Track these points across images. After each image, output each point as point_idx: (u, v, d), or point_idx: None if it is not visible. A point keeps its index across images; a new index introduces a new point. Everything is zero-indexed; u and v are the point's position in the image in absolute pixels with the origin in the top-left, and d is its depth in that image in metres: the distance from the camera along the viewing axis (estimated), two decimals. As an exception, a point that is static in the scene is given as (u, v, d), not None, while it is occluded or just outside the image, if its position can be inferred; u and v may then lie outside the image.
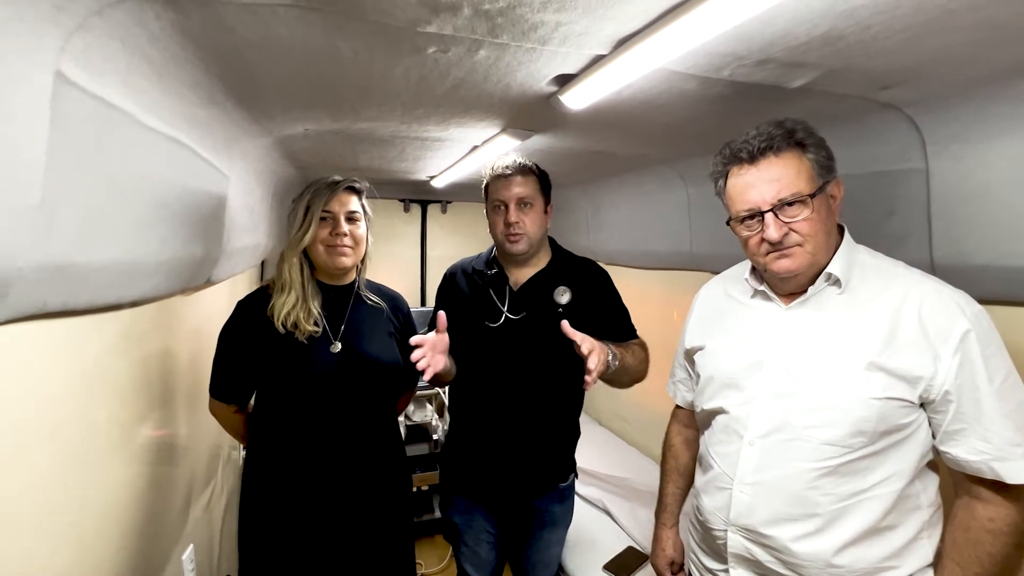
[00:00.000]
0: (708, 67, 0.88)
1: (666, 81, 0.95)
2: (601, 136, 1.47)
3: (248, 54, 0.85)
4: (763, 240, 0.87)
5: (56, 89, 0.58)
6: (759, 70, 0.88)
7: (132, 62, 0.70)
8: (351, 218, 1.23)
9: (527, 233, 1.31)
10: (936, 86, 0.94)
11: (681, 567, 1.17)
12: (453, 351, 1.37)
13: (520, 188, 1.31)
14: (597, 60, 0.87)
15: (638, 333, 1.42)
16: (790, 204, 0.84)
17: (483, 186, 1.39)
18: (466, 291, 1.39)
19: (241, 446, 2.11)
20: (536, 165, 1.37)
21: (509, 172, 1.32)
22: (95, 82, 0.66)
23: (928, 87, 0.94)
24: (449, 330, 1.34)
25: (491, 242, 1.48)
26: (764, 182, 0.86)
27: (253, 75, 0.94)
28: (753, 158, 0.87)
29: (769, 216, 0.86)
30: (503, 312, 1.34)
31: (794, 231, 0.85)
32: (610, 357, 1.11)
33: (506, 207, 1.31)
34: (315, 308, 1.20)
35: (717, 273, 1.17)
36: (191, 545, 1.37)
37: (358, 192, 1.26)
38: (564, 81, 0.98)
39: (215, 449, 1.75)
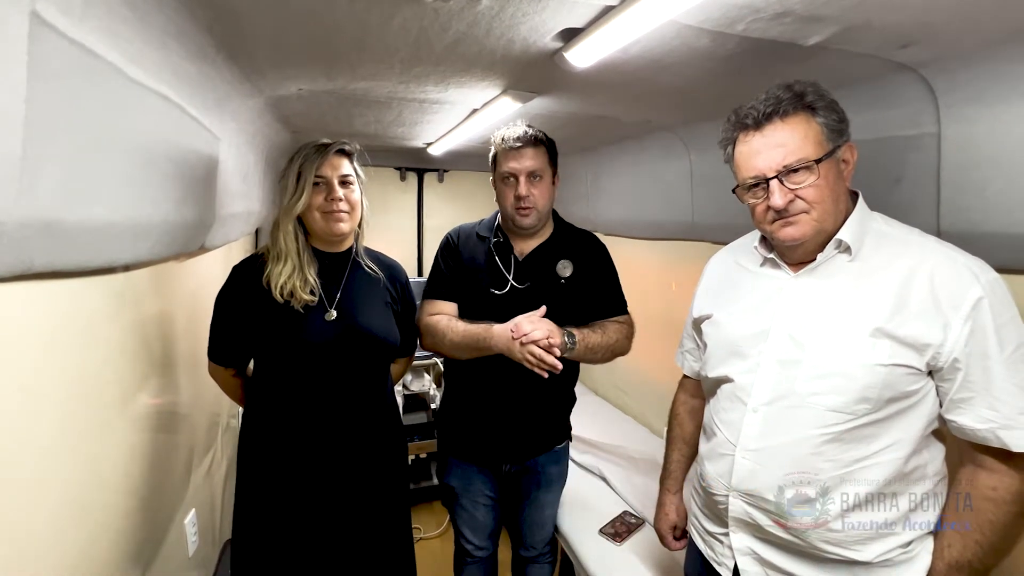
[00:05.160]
0: (722, 20, 0.84)
1: (677, 37, 0.91)
2: (605, 99, 1.43)
3: (237, 1, 0.80)
4: (769, 208, 0.86)
5: (33, 31, 0.54)
6: (775, 24, 0.84)
7: (112, 5, 0.66)
8: (345, 182, 1.20)
9: (536, 206, 1.31)
10: (955, 45, 0.90)
11: (684, 532, 1.20)
12: (459, 316, 1.37)
13: (531, 161, 1.29)
14: (606, 12, 0.83)
15: (632, 305, 1.45)
16: (795, 171, 0.83)
17: (491, 156, 1.36)
18: (472, 256, 1.38)
19: (240, 413, 2.12)
20: (545, 135, 1.34)
21: (520, 144, 1.29)
22: (74, 27, 0.62)
23: (947, 46, 0.91)
24: (456, 295, 1.35)
25: (490, 210, 1.45)
26: (769, 148, 0.85)
27: (242, 25, 0.90)
28: (759, 124, 0.86)
29: (774, 183, 0.84)
30: (509, 281, 1.34)
31: (800, 198, 0.84)
32: (566, 338, 1.20)
33: (516, 180, 1.29)
34: (311, 277, 1.18)
35: (719, 244, 1.16)
36: (193, 510, 1.38)
37: (349, 155, 1.22)
38: (570, 36, 0.94)
39: (214, 416, 1.75)
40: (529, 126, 1.32)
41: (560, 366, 1.15)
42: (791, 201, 0.84)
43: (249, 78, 1.20)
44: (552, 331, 1.16)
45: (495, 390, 1.36)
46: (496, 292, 1.33)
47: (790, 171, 0.83)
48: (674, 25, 0.86)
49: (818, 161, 0.82)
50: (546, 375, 1.15)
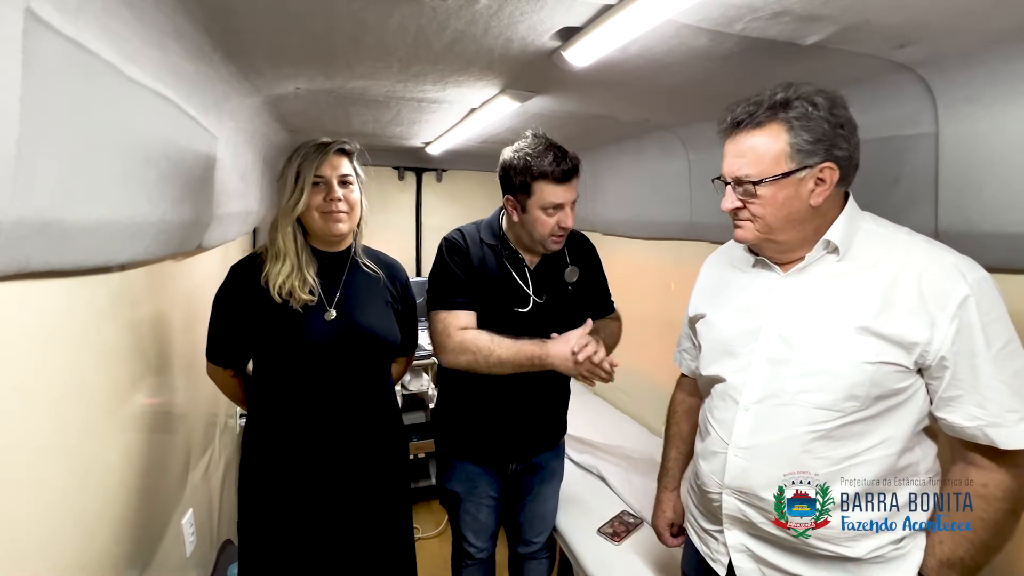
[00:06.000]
0: (720, 20, 0.84)
1: (675, 36, 0.91)
2: (603, 98, 1.43)
3: (234, 1, 0.80)
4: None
5: (27, 28, 0.54)
6: (773, 24, 0.84)
7: (109, 3, 0.66)
8: (344, 182, 1.18)
9: (568, 231, 1.29)
10: (953, 45, 0.91)
11: (681, 529, 1.20)
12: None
13: (576, 190, 1.25)
14: (604, 11, 0.83)
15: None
16: (745, 184, 0.86)
17: (522, 176, 1.22)
18: (483, 266, 1.32)
19: (238, 413, 2.12)
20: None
21: (572, 176, 1.23)
22: (70, 24, 0.61)
23: (945, 45, 0.91)
24: (475, 304, 1.30)
25: (489, 210, 1.44)
26: (732, 155, 0.88)
27: (240, 24, 0.89)
28: (729, 130, 0.88)
29: (728, 188, 0.89)
30: (531, 298, 1.32)
31: (747, 208, 0.88)
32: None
33: (563, 209, 1.24)
34: (310, 276, 1.17)
35: (718, 243, 1.17)
36: (190, 510, 1.38)
37: (349, 154, 1.21)
38: (568, 35, 0.94)
39: (212, 417, 1.75)
40: (561, 149, 1.23)
41: (613, 379, 1.19)
42: (740, 208, 0.89)
43: (247, 77, 1.20)
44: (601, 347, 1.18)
45: (499, 390, 1.34)
46: (520, 310, 1.31)
47: (741, 182, 0.87)
48: (672, 24, 0.86)
49: (758, 183, 0.84)
50: (595, 384, 1.21)
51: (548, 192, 1.22)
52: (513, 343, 1.23)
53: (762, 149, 0.84)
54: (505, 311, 1.30)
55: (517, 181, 1.24)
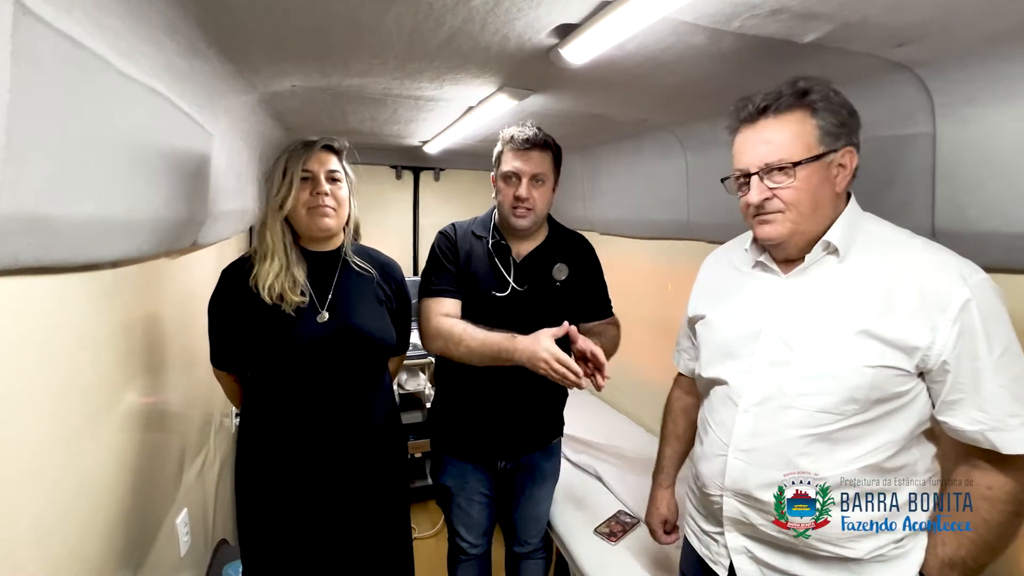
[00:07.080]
0: (718, 17, 0.83)
1: (672, 33, 0.91)
2: (601, 97, 1.42)
3: (229, -5, 0.79)
4: (750, 203, 0.88)
5: (16, 20, 0.53)
6: (771, 21, 0.84)
7: (101, -4, 0.65)
8: (332, 178, 1.18)
9: (535, 210, 1.30)
10: (951, 43, 0.90)
11: (675, 527, 1.20)
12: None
13: (537, 164, 1.28)
14: (602, 8, 0.82)
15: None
16: (777, 169, 0.84)
17: (496, 152, 1.35)
18: (470, 255, 1.36)
19: (233, 412, 2.11)
20: (554, 140, 1.33)
21: (528, 145, 1.27)
22: (61, 18, 0.61)
23: (943, 44, 0.91)
24: (459, 292, 1.33)
25: (485, 207, 1.45)
26: (757, 143, 0.86)
27: (235, 20, 0.89)
28: (752, 117, 0.87)
29: (754, 179, 0.86)
30: (510, 283, 1.33)
31: (777, 197, 0.85)
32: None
33: (519, 180, 1.28)
34: (300, 276, 1.16)
35: (715, 243, 1.17)
36: (185, 509, 1.37)
37: (338, 152, 1.21)
38: (565, 32, 0.93)
39: (207, 416, 1.74)
40: (539, 128, 1.30)
41: (584, 386, 1.12)
42: (768, 199, 0.86)
43: (242, 74, 1.19)
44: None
45: (490, 388, 1.35)
46: (497, 294, 1.32)
47: (772, 169, 0.84)
48: (670, 21, 0.85)
49: (797, 164, 0.83)
50: (571, 388, 1.15)
51: (508, 159, 1.30)
52: (485, 334, 1.21)
53: (794, 133, 0.83)
54: (484, 295, 1.32)
55: (494, 155, 1.35)
